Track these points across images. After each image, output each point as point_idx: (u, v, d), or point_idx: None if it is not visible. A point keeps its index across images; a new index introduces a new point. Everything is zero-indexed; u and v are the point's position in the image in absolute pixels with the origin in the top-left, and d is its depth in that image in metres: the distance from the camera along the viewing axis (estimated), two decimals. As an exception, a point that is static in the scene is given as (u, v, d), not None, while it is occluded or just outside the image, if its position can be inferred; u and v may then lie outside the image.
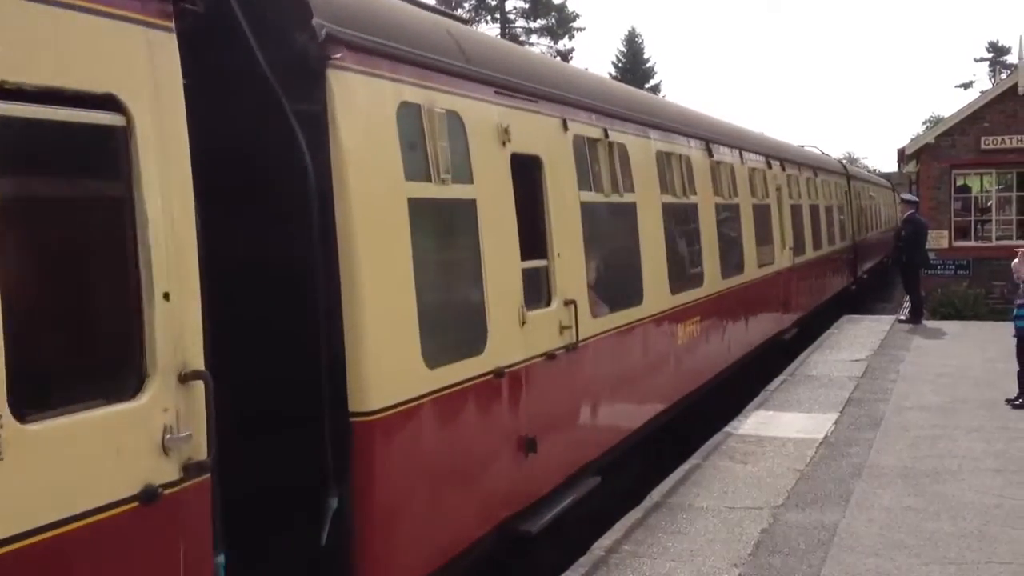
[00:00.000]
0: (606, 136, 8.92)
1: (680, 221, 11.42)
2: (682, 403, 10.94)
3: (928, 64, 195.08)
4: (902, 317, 21.12)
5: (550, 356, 7.38)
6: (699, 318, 11.58)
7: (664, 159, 10.74)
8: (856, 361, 15.67)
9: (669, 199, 10.71)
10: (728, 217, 13.51)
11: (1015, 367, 12.01)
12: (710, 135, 13.01)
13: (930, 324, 20.61)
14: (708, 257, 12.19)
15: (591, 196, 8.49)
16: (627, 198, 9.40)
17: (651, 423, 9.92)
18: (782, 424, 11.37)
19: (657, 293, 10.11)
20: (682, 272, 11.26)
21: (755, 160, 15.41)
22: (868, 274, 31.47)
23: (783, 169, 17.56)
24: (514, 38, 69.50)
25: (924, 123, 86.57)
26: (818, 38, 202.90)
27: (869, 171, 60.36)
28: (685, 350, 11.18)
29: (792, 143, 23.57)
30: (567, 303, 7.68)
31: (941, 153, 24.04)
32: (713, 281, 12.34)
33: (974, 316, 21.72)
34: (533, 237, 7.39)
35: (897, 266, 22.46)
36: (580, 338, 7.82)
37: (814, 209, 20.92)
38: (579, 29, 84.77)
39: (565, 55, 72.23)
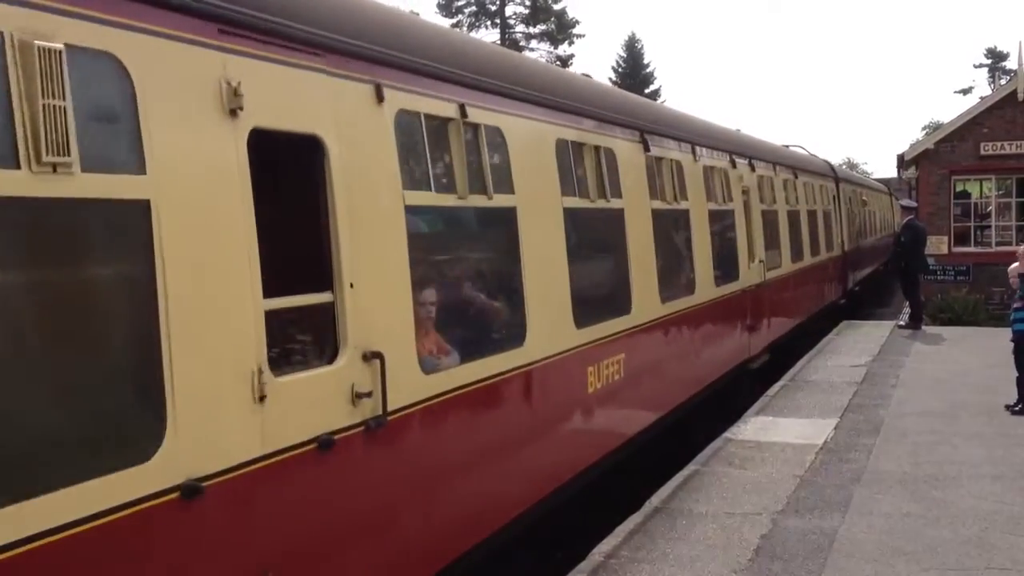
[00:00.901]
0: (463, 115, 6.54)
1: (594, 232, 9.18)
2: (580, 480, 8.24)
3: (927, 70, 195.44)
4: (902, 322, 21.13)
5: (324, 444, 4.99)
6: (623, 356, 9.03)
7: (570, 151, 8.34)
8: (856, 367, 15.66)
9: (576, 203, 8.32)
10: (673, 226, 11.21)
11: (1014, 373, 12.02)
12: (647, 124, 10.49)
13: (930, 330, 20.62)
14: (639, 277, 9.59)
15: (428, 198, 6.22)
16: (501, 202, 7.00)
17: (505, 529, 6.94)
18: (782, 429, 11.37)
19: (552, 328, 7.58)
20: (596, 298, 8.89)
21: (714, 157, 12.96)
22: (861, 285, 29.09)
23: (752, 169, 15.06)
24: (514, 43, 69.60)
25: (923, 129, 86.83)
26: (818, 44, 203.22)
27: (865, 175, 59.98)
28: (599, 404, 8.54)
29: (776, 142, 21.13)
30: (368, 356, 5.36)
31: (940, 159, 24.06)
32: (647, 306, 9.78)
33: (974, 322, 21.74)
34: (305, 260, 5.27)
35: (896, 271, 22.48)
36: (391, 409, 5.46)
37: (793, 215, 18.30)
38: (579, 35, 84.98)
39: (565, 61, 72.29)
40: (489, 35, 71.65)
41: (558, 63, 68.58)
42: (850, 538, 7.56)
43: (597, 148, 8.86)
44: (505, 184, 7.11)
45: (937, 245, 23.46)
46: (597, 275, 9.21)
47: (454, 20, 71.13)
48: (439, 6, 71.86)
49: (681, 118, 13.01)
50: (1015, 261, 12.59)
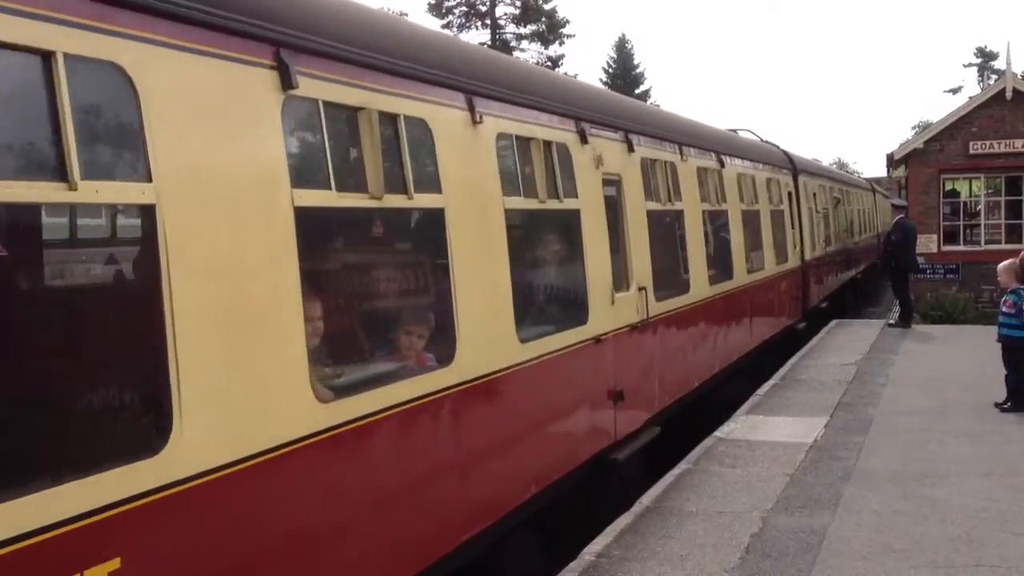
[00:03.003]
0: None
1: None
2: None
3: (917, 70, 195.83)
4: (891, 321, 21.20)
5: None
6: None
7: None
8: (846, 365, 15.70)
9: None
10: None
11: (1004, 371, 12.07)
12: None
13: (920, 328, 20.71)
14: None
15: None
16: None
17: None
18: (772, 428, 11.40)
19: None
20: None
21: (540, 123, 7.98)
22: (829, 301, 23.71)
23: (629, 149, 9.95)
24: (504, 44, 69.63)
25: (913, 128, 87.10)
26: (807, 45, 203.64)
27: (855, 174, 58.50)
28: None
29: (722, 127, 17.27)
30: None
31: (930, 158, 24.16)
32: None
33: (964, 320, 21.85)
34: None
35: (886, 270, 22.57)
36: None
37: (717, 218, 13.65)
38: (569, 36, 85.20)
39: (555, 61, 72.35)
40: (479, 36, 71.70)
41: (548, 64, 68.68)
42: (840, 536, 7.59)
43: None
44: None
45: (926, 244, 23.56)
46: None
47: (444, 21, 71.11)
48: (429, 7, 71.83)
49: (517, 71, 8.65)
50: (1006, 258, 12.64)
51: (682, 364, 11.64)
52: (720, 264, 13.66)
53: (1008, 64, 25.69)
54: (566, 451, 8.24)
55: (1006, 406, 11.91)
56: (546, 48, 73.76)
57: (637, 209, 10.14)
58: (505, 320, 7.06)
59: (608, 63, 79.59)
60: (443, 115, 6.50)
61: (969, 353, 16.42)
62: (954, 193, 24.88)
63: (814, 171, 24.37)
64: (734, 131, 18.64)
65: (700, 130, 14.28)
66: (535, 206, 7.76)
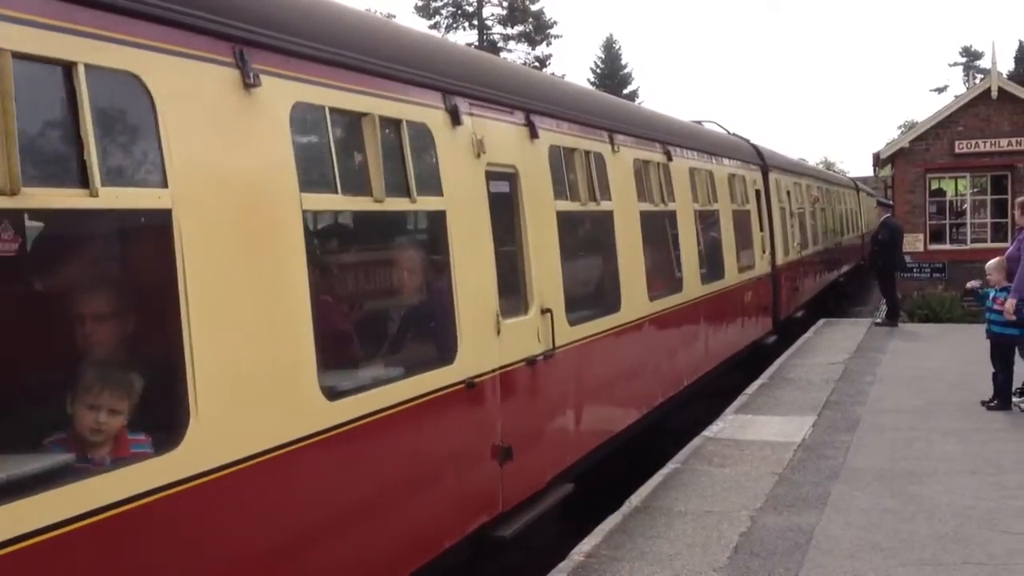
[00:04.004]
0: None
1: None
2: None
3: (903, 69, 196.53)
4: (879, 320, 21.28)
5: None
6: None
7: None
8: (833, 364, 15.73)
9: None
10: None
11: (991, 369, 12.12)
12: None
13: (906, 327, 20.79)
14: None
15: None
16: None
17: None
18: (760, 427, 11.41)
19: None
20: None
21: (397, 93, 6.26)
22: (806, 309, 22.12)
23: (533, 135, 8.06)
24: (492, 44, 69.65)
25: (899, 128, 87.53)
26: (793, 45, 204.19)
27: (842, 174, 57.52)
28: None
29: (685, 118, 15.60)
30: None
31: (915, 157, 24.27)
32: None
33: (949, 319, 21.94)
34: None
35: (873, 270, 22.68)
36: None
37: (661, 221, 11.66)
38: (556, 36, 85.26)
39: (543, 62, 72.40)
40: (467, 36, 71.72)
41: (536, 64, 68.71)
42: (828, 534, 7.60)
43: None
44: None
45: (913, 243, 23.67)
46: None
47: (432, 22, 71.11)
48: (416, 8, 71.83)
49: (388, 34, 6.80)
50: (992, 257, 12.68)
51: (610, 399, 9.62)
52: (665, 275, 11.78)
53: (993, 63, 25.90)
54: (413, 542, 6.06)
55: (993, 404, 11.95)
56: (533, 49, 73.93)
57: (542, 210, 8.10)
58: (295, 369, 4.94)
59: (596, 63, 79.75)
60: (170, 70, 4.36)
61: (956, 351, 16.48)
62: (940, 192, 25.01)
63: (788, 167, 22.11)
64: (699, 123, 16.87)
65: (639, 115, 12.32)
66: (365, 207, 5.69)
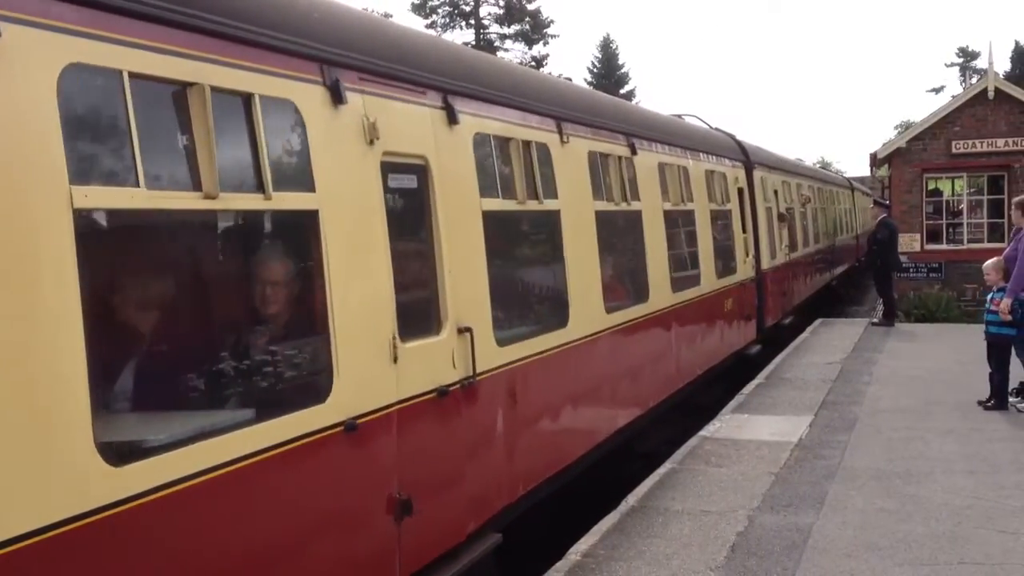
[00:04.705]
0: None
1: None
2: None
3: (899, 69, 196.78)
4: (875, 320, 21.30)
5: None
6: None
7: None
8: (830, 364, 15.74)
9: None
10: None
11: (987, 369, 12.13)
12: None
13: (903, 327, 20.82)
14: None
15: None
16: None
17: None
18: (757, 427, 11.42)
19: None
20: None
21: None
22: (796, 313, 21.15)
23: (451, 119, 6.77)
24: (489, 44, 69.64)
25: (896, 128, 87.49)
26: (790, 46, 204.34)
27: (832, 171, 56.80)
28: None
29: (668, 112, 15.07)
30: None
31: (912, 157, 24.27)
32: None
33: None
34: None
35: (870, 269, 22.71)
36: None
37: (618, 221, 10.23)
38: (553, 35, 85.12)
39: (540, 61, 72.40)
40: (464, 36, 71.69)
41: (533, 64, 68.71)
42: (825, 534, 7.61)
43: None
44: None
45: (909, 243, 23.70)
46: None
47: (428, 21, 71.10)
48: (413, 6, 71.77)
49: None
50: (989, 257, 12.69)
51: (553, 431, 8.26)
52: (627, 283, 10.67)
53: (990, 64, 25.89)
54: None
55: (990, 404, 11.96)
56: (530, 48, 73.88)
57: (463, 210, 6.85)
58: (55, 419, 3.70)
59: (593, 63, 79.74)
60: None
61: (952, 351, 16.50)
62: (937, 192, 25.02)
63: (775, 164, 20.58)
64: (679, 116, 16.07)
65: (596, 102, 10.72)
66: (186, 204, 4.41)
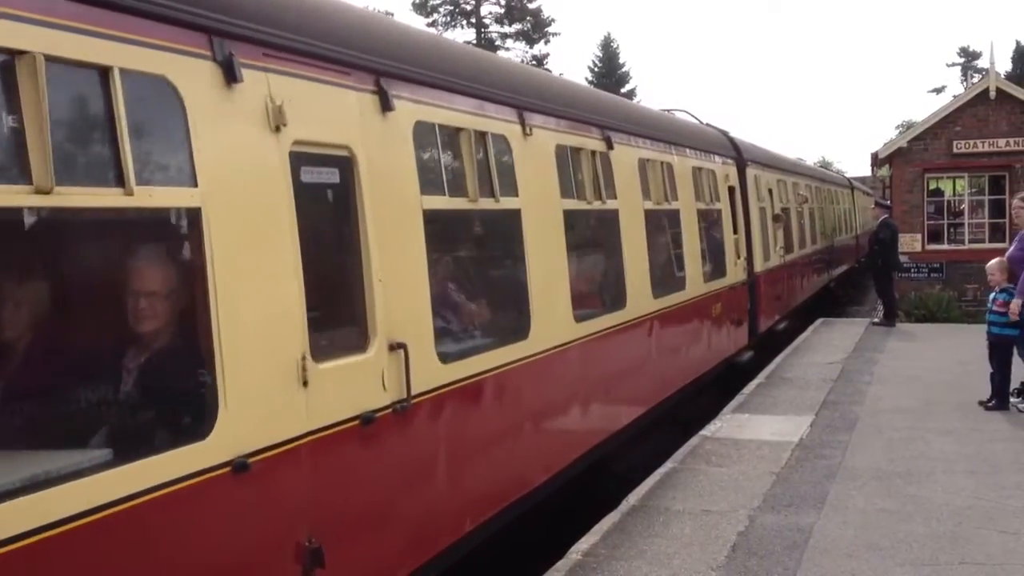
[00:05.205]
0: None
1: None
2: None
3: (901, 69, 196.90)
4: (876, 319, 21.30)
5: None
6: None
7: None
8: (831, 364, 15.74)
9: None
10: None
11: (988, 369, 12.12)
12: None
13: (904, 327, 20.81)
14: None
15: None
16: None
17: None
18: (758, 427, 11.41)
19: None
20: None
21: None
22: (792, 317, 20.52)
23: (384, 106, 5.94)
24: (490, 43, 69.65)
25: (897, 128, 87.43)
26: (791, 45, 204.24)
27: (833, 171, 56.50)
28: None
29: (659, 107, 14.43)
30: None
31: (914, 157, 24.25)
32: None
33: (946, 319, 21.97)
34: None
35: (871, 270, 22.71)
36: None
37: (590, 221, 9.73)
38: (554, 34, 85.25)
39: (541, 60, 72.40)
40: (465, 35, 71.70)
41: (534, 63, 68.70)
42: (826, 534, 7.61)
43: None
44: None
45: (911, 243, 23.69)
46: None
47: (429, 20, 71.10)
48: (414, 5, 71.77)
49: None
50: (990, 257, 12.68)
51: (508, 456, 7.40)
52: (600, 288, 9.96)
53: (991, 64, 25.87)
54: None
55: (991, 404, 11.96)
56: (531, 47, 73.94)
57: (400, 209, 6.04)
58: None
59: (594, 62, 79.72)
60: None
61: (953, 352, 16.48)
62: (938, 192, 25.01)
63: (769, 162, 19.72)
64: (668, 111, 15.41)
65: (566, 91, 9.84)
66: (8, 200, 3.66)
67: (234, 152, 4.67)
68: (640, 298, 10.38)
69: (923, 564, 6.96)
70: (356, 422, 5.37)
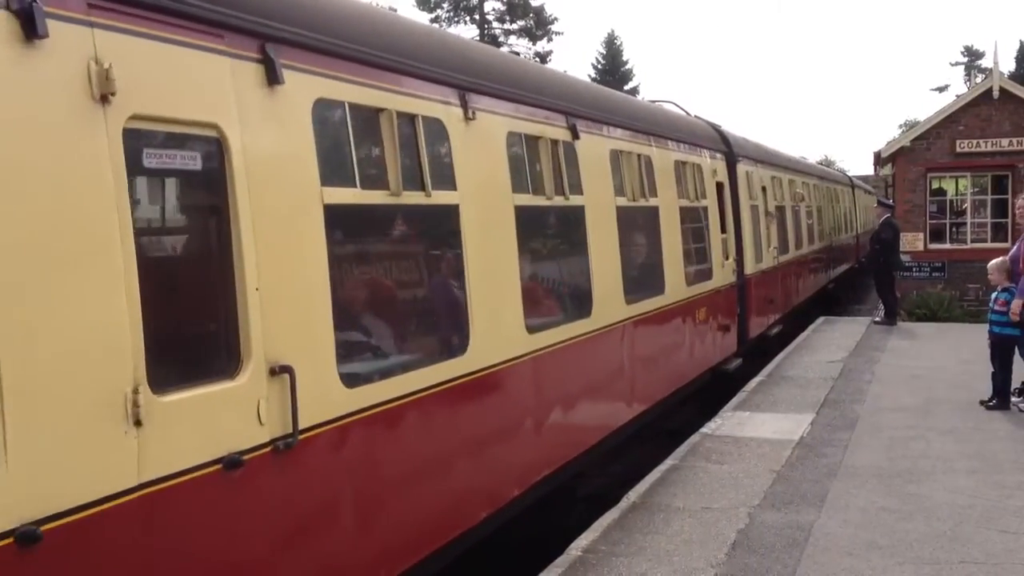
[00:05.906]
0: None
1: None
2: None
3: (904, 68, 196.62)
4: (877, 318, 21.29)
5: None
6: None
7: None
8: (832, 362, 15.73)
9: None
10: None
11: (989, 368, 12.11)
12: None
13: (905, 326, 20.80)
14: None
15: None
16: None
17: None
18: (758, 425, 11.40)
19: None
20: None
21: None
22: (787, 321, 19.60)
23: (270, 80, 4.86)
24: (493, 39, 69.62)
25: (900, 127, 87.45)
26: (795, 43, 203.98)
27: (836, 170, 56.23)
28: None
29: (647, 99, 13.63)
30: None
31: (916, 156, 24.23)
32: None
33: (948, 318, 21.96)
34: None
35: (872, 269, 22.69)
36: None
37: (550, 219, 8.74)
38: (557, 32, 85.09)
39: (544, 57, 72.37)
40: (467, 31, 71.64)
41: (537, 59, 68.67)
42: (826, 532, 7.60)
43: None
44: None
45: (913, 242, 23.68)
46: None
47: (432, 16, 71.08)
48: (418, 1, 71.73)
49: None
50: (992, 256, 12.66)
51: (440, 490, 6.30)
52: (561, 295, 9.06)
53: (995, 63, 25.79)
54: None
55: (992, 404, 11.95)
56: (534, 44, 73.88)
57: (289, 203, 5.00)
58: None
59: (597, 59, 79.66)
60: None
61: (954, 351, 16.49)
62: (941, 191, 24.99)
63: (763, 158, 18.54)
64: (655, 102, 14.56)
65: (520, 71, 8.70)
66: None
67: (34, 128, 3.63)
68: (609, 304, 9.38)
69: (923, 563, 6.96)
70: (216, 467, 4.32)
